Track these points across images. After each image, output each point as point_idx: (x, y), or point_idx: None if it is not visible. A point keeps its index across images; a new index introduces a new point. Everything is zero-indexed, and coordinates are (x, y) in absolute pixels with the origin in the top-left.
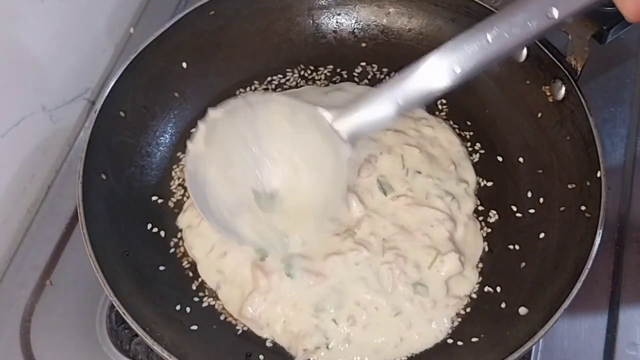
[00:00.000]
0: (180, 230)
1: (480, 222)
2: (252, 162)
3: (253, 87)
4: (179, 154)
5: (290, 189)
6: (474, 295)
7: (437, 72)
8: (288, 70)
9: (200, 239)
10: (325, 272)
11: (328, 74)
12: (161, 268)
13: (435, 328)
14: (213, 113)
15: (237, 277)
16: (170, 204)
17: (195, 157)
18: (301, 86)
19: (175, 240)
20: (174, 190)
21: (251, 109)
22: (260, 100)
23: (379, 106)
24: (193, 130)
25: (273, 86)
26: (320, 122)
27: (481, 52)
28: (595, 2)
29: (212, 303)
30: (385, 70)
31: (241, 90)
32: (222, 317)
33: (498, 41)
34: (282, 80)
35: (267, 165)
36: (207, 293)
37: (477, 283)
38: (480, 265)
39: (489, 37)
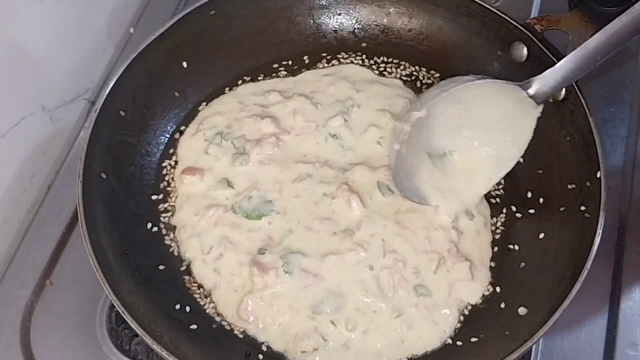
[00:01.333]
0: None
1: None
2: (426, 127)
3: None
4: (170, 150)
5: (459, 150)
6: None
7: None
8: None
9: (196, 239)
10: (322, 272)
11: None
12: (161, 267)
13: (439, 329)
14: (415, 114)
15: (234, 277)
16: (170, 203)
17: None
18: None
19: (176, 239)
20: (172, 189)
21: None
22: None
23: (578, 62)
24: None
25: None
26: (509, 93)
27: None
28: None
29: (210, 305)
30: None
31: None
32: (218, 319)
33: None
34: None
35: (435, 128)
36: (204, 294)
37: (488, 284)
38: (493, 264)
39: None
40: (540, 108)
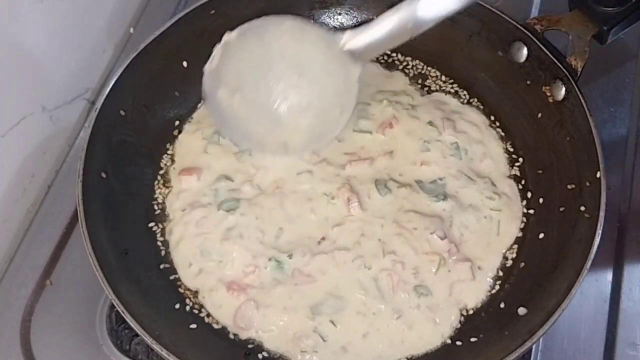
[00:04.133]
0: None
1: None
2: (262, 80)
3: None
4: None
5: (292, 106)
6: None
7: None
8: None
9: (183, 244)
10: (316, 273)
11: None
12: (161, 267)
13: (439, 329)
14: (227, 36)
15: (219, 294)
16: (167, 203)
17: (209, 77)
18: None
19: (168, 242)
20: (171, 189)
21: (264, 28)
22: (273, 21)
23: (392, 26)
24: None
25: None
26: (330, 44)
27: None
28: None
29: (205, 310)
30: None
31: None
32: (215, 324)
33: None
34: None
35: (273, 84)
36: (198, 295)
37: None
38: (501, 274)
39: None
40: (359, 68)
